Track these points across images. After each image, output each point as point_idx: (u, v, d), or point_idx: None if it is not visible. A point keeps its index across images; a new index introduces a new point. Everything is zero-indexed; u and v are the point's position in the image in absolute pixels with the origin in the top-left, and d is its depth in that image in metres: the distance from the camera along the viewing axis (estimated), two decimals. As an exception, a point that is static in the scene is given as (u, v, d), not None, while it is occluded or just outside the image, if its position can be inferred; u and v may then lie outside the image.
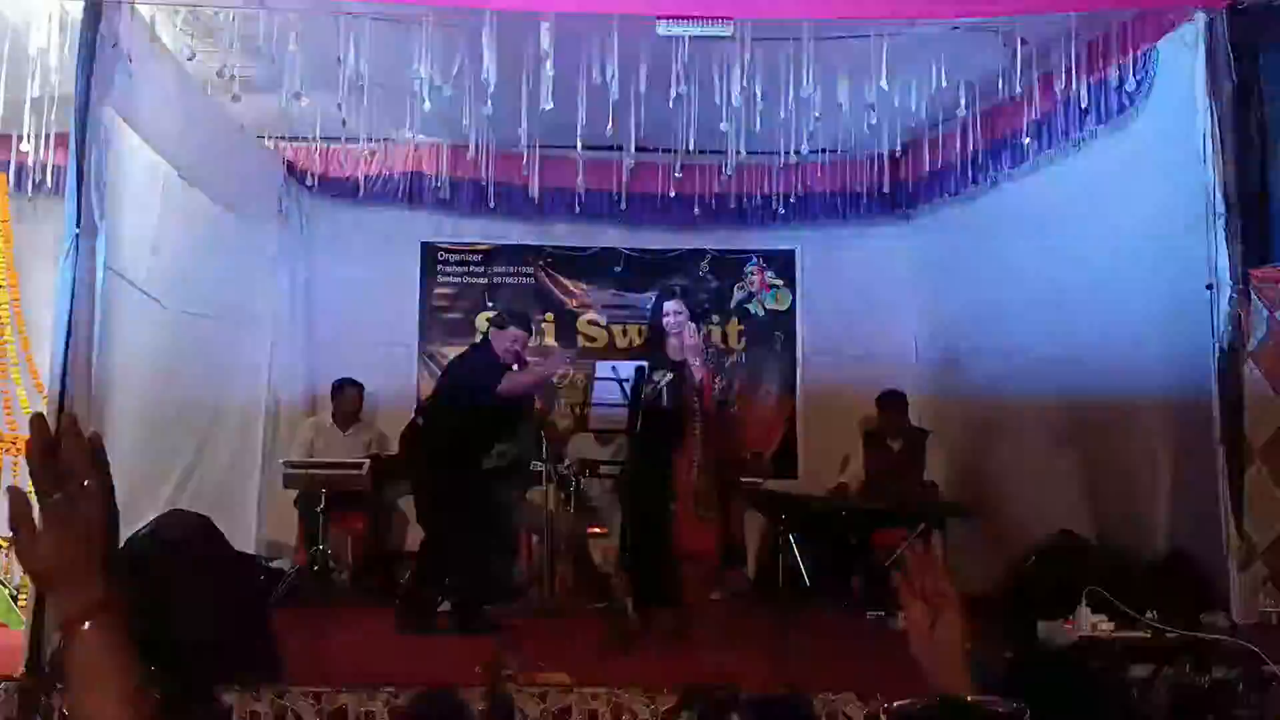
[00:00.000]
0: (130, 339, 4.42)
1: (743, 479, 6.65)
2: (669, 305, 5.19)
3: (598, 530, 6.58)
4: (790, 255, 7.61)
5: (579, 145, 4.95)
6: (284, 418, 6.83)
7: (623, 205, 6.92)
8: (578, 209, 7.04)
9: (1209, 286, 4.04)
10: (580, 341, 7.48)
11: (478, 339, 6.48)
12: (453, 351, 7.20)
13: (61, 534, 1.11)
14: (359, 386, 6.65)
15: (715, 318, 7.57)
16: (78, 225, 3.87)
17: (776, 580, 6.07)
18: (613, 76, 4.49)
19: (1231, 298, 3.96)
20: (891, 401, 6.45)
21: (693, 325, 5.24)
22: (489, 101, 4.79)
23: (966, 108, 5.08)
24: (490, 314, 7.36)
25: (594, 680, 3.92)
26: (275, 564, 6.21)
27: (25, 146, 4.90)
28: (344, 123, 5.57)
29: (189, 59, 4.76)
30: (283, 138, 6.53)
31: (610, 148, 6.03)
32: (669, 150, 5.94)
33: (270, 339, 6.76)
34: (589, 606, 5.87)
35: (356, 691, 3.73)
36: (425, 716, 3.15)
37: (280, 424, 6.80)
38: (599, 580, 6.23)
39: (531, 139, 5.74)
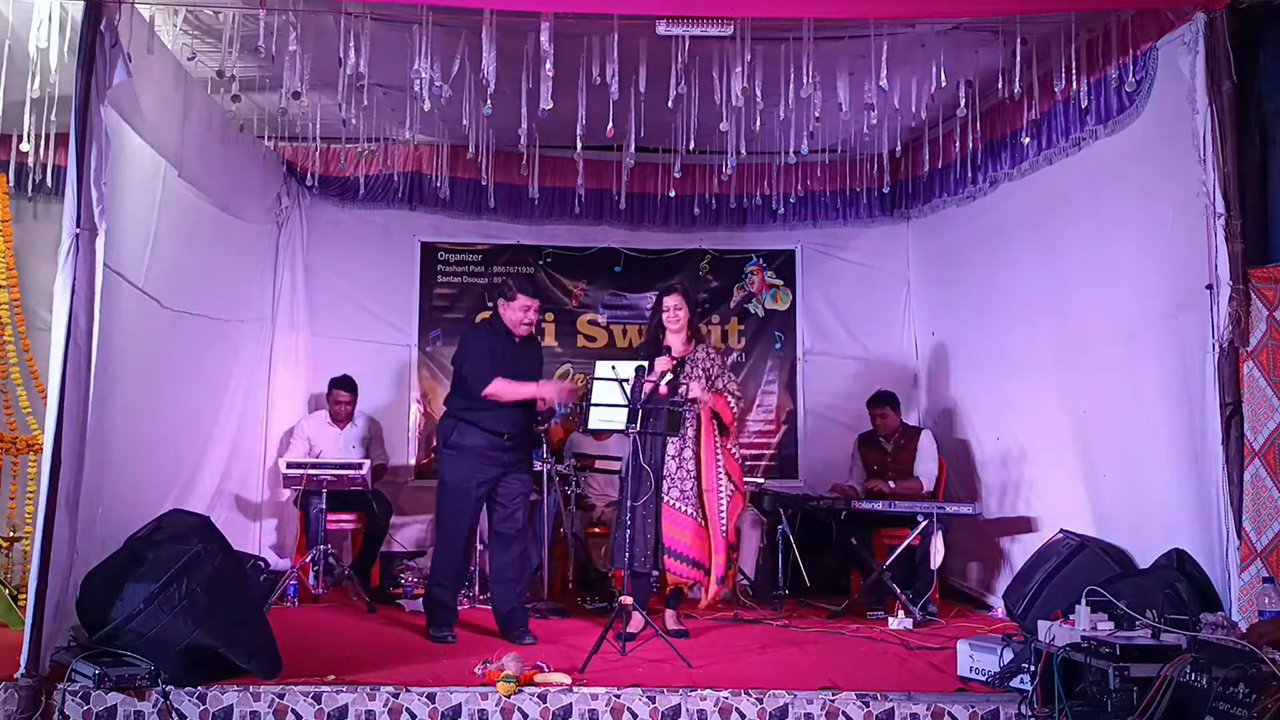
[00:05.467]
0: (130, 339, 4.42)
1: (742, 479, 6.65)
2: (669, 300, 5.17)
3: (597, 530, 6.59)
4: (790, 255, 7.62)
5: (579, 145, 4.95)
6: (284, 417, 6.83)
7: (623, 205, 6.93)
8: (578, 209, 7.06)
9: (1209, 286, 4.04)
10: (580, 341, 7.49)
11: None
12: (452, 352, 7.23)
13: None
14: (350, 387, 6.64)
15: (715, 318, 7.58)
16: (78, 225, 3.87)
17: (776, 580, 6.08)
18: (613, 76, 4.49)
19: (1231, 298, 3.96)
20: (882, 402, 6.45)
21: (711, 353, 5.24)
22: (489, 101, 4.79)
23: (966, 108, 5.07)
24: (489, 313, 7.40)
25: (594, 680, 3.93)
26: (275, 564, 6.22)
27: (25, 146, 4.90)
28: (344, 123, 5.58)
29: (189, 59, 4.76)
30: (283, 138, 6.53)
31: (610, 148, 6.04)
32: (669, 150, 5.94)
33: (270, 339, 6.77)
34: (589, 606, 5.89)
35: (357, 691, 3.73)
36: None
37: (280, 424, 6.80)
38: (599, 580, 6.24)
39: (531, 139, 5.74)
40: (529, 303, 5.06)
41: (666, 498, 5.00)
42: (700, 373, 5.12)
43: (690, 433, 5.06)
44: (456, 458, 5.01)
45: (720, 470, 5.08)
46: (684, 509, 5.00)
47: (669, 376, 5.01)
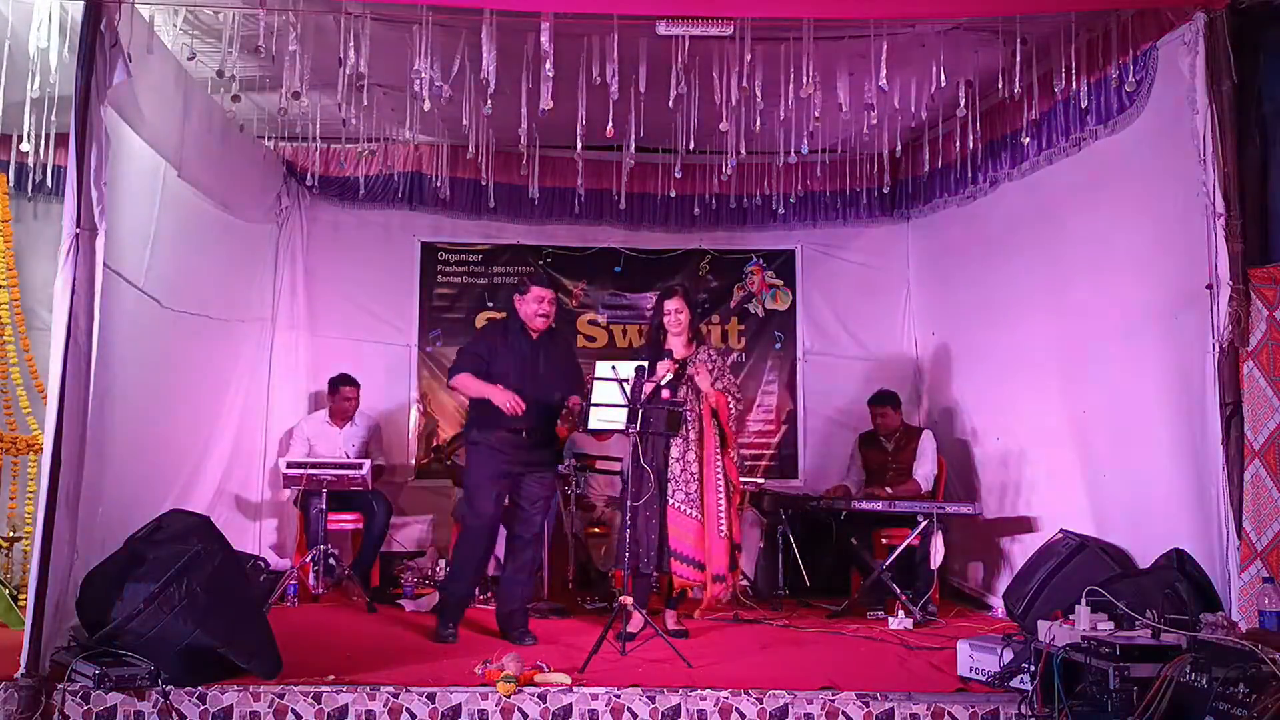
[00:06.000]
0: (130, 339, 4.42)
1: (742, 479, 6.66)
2: (670, 303, 5.17)
3: (597, 530, 6.59)
4: (790, 255, 7.62)
5: (579, 145, 4.94)
6: (284, 417, 6.83)
7: (622, 205, 6.93)
8: (578, 209, 7.06)
9: (1209, 286, 4.04)
10: (580, 341, 7.49)
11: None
12: (453, 352, 7.23)
13: None
14: (355, 383, 6.66)
15: (715, 318, 7.58)
16: (77, 225, 3.87)
17: (776, 580, 6.08)
18: (613, 76, 4.49)
19: (1231, 298, 3.96)
20: (883, 402, 6.45)
21: (712, 354, 5.24)
22: (489, 101, 4.79)
23: (966, 108, 5.07)
24: (490, 313, 7.40)
25: (594, 680, 3.93)
26: (275, 564, 6.22)
27: (25, 146, 4.90)
28: (344, 123, 5.58)
29: (189, 59, 4.76)
30: (283, 138, 6.54)
31: (610, 148, 6.04)
32: (669, 150, 5.94)
33: (270, 339, 6.77)
34: (589, 606, 5.89)
35: (357, 691, 3.73)
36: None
37: (280, 424, 6.81)
38: (599, 580, 6.24)
39: (531, 139, 5.75)
40: (542, 293, 5.03)
41: (671, 500, 5.00)
42: (704, 374, 5.12)
43: (693, 435, 5.06)
44: (477, 453, 5.02)
45: (719, 471, 5.07)
46: (689, 511, 5.00)
47: (670, 376, 5.00)
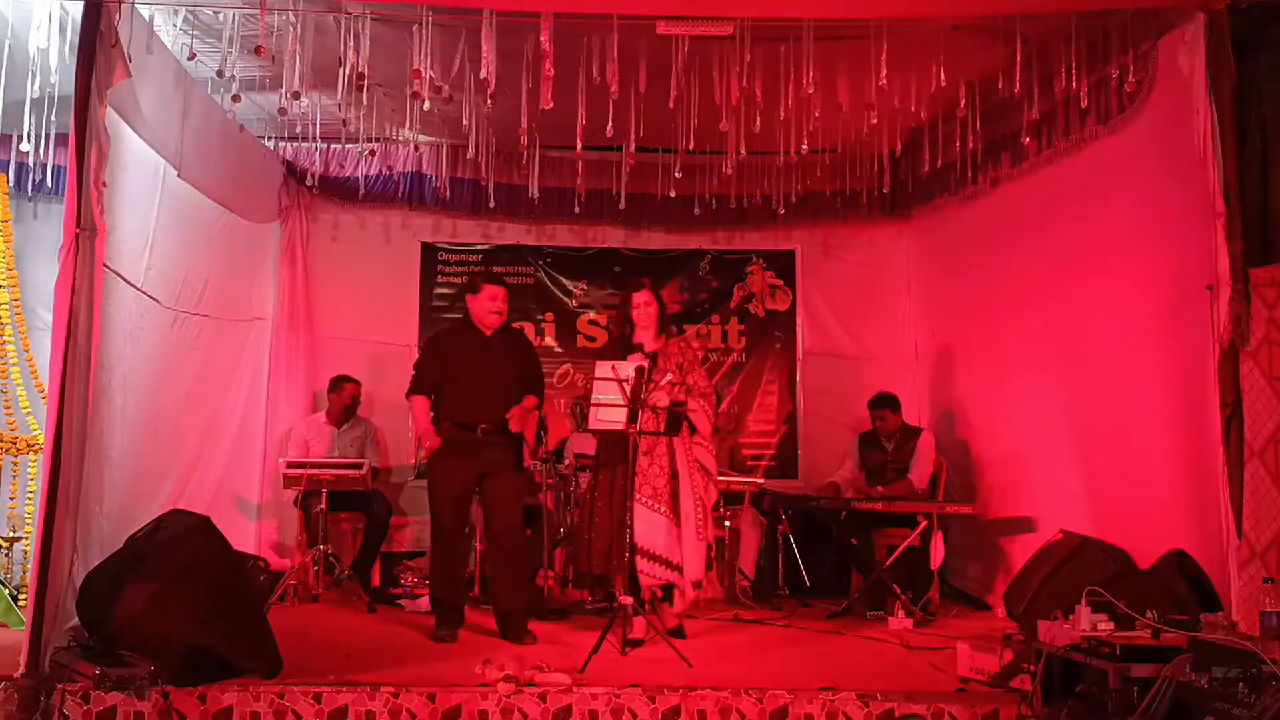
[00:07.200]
0: (130, 339, 4.43)
1: (742, 479, 6.65)
2: (637, 297, 5.11)
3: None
4: (790, 255, 7.62)
5: (579, 145, 4.94)
6: (284, 417, 6.83)
7: (622, 205, 6.92)
8: (578, 209, 7.05)
9: (1209, 286, 4.04)
10: (580, 341, 7.49)
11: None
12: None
13: None
14: (356, 383, 6.66)
15: (715, 317, 7.58)
16: (78, 225, 3.87)
17: (776, 580, 6.08)
18: (613, 76, 4.49)
19: (1231, 298, 3.96)
20: (882, 404, 6.44)
21: (682, 346, 5.16)
22: (489, 101, 4.79)
23: (966, 108, 5.07)
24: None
25: (594, 680, 3.93)
26: (275, 564, 6.21)
27: (25, 146, 4.91)
28: (344, 123, 5.58)
29: (189, 59, 4.76)
30: (283, 138, 6.53)
31: (610, 148, 6.03)
32: (669, 150, 5.94)
33: (270, 339, 6.77)
34: (589, 606, 5.88)
35: (357, 691, 3.73)
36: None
37: (280, 424, 6.81)
38: (599, 580, 6.23)
39: (531, 139, 5.74)
40: (495, 290, 5.08)
41: (638, 496, 4.86)
42: (673, 367, 5.04)
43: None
44: (435, 456, 5.05)
45: (695, 463, 4.98)
46: (657, 507, 4.92)
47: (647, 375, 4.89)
